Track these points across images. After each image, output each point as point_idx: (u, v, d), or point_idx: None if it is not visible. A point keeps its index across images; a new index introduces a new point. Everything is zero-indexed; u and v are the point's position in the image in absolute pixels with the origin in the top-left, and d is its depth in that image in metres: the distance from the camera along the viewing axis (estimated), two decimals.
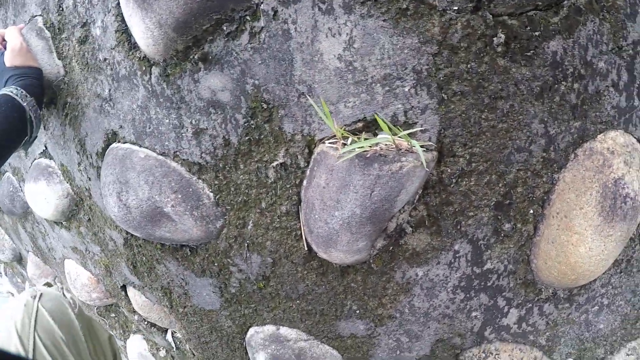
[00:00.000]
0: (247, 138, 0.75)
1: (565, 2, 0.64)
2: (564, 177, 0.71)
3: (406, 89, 0.65)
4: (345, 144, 0.70)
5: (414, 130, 0.66)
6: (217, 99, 0.74)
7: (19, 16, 1.06)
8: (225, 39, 0.71)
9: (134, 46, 0.80)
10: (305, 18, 0.66)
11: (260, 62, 0.70)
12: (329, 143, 0.73)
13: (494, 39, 0.60)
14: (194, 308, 1.06)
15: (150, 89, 0.80)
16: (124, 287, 1.21)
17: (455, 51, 0.61)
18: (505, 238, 0.76)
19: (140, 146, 0.85)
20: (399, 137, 0.66)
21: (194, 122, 0.77)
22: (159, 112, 0.80)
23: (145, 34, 0.71)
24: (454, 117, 0.65)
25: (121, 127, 0.87)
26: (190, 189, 0.81)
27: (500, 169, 0.69)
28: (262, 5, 0.67)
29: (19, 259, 1.86)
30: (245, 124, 0.75)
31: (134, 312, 1.23)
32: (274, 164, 0.76)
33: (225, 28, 0.70)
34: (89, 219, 1.11)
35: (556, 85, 0.66)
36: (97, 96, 0.89)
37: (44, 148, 1.13)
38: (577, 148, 0.71)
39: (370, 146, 0.67)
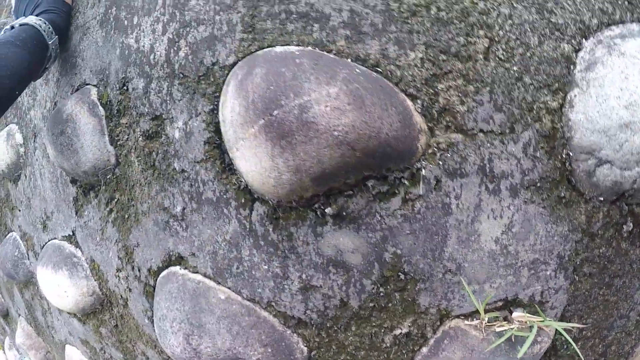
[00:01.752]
0: (371, 304, 0.55)
1: None
2: None
3: (548, 272, 0.57)
4: (486, 324, 0.55)
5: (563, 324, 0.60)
6: (342, 260, 0.54)
7: (65, 76, 0.80)
8: (370, 198, 0.50)
9: (228, 168, 0.59)
10: (469, 195, 0.50)
11: (408, 232, 0.51)
12: (468, 321, 0.57)
13: (624, 226, 0.57)
14: None
15: (247, 227, 0.58)
16: None
17: (593, 238, 0.57)
18: None
19: (219, 283, 0.62)
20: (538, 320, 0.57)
21: (304, 277, 0.56)
22: (255, 255, 0.58)
23: (268, 172, 0.48)
24: (579, 295, 0.61)
25: (193, 255, 0.64)
26: (283, 343, 0.59)
27: (603, 334, 0.69)
28: (423, 171, 0.50)
29: (5, 314, 1.48)
30: (373, 291, 0.54)
31: None
32: (396, 332, 0.57)
33: (371, 186, 0.51)
34: (116, 326, 0.85)
35: None
36: (163, 209, 0.65)
37: (71, 233, 0.86)
38: None
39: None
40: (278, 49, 0.50)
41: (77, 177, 0.75)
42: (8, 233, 1.08)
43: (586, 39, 0.52)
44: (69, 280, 0.81)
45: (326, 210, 0.50)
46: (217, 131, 0.57)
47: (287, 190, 0.49)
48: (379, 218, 0.50)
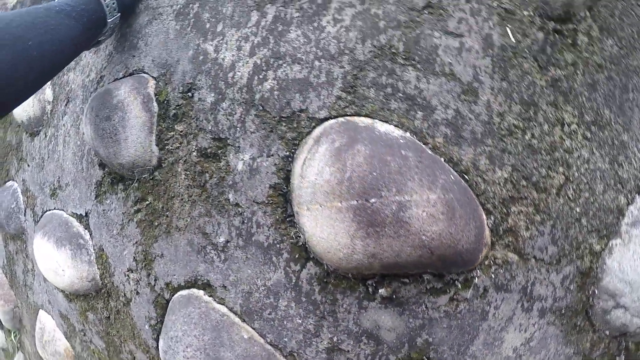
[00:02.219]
0: None
1: None
2: None
3: None
4: None
5: None
6: (377, 334, 0.54)
7: (120, 53, 0.71)
8: (422, 290, 0.51)
9: (289, 219, 0.57)
10: (507, 308, 0.53)
11: (445, 326, 0.53)
12: None
13: (617, 358, 0.62)
14: None
15: (293, 281, 0.57)
16: None
17: None
18: None
19: (244, 322, 0.61)
20: None
21: (335, 339, 0.56)
22: (292, 308, 0.58)
23: (340, 247, 0.47)
24: None
25: (224, 287, 0.61)
26: None
27: None
28: (476, 279, 0.52)
29: None
30: None
31: None
32: None
33: (427, 280, 0.52)
34: (108, 317, 0.80)
35: None
36: (203, 234, 0.62)
37: (83, 214, 0.79)
38: None
39: None
40: (381, 127, 0.49)
41: (108, 165, 0.69)
42: (8, 181, 0.97)
43: (639, 195, 0.56)
44: (71, 260, 0.75)
45: (380, 291, 0.51)
46: (287, 179, 0.56)
47: (352, 266, 0.49)
48: (424, 308, 0.51)
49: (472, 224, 0.46)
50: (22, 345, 1.11)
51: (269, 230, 0.55)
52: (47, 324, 0.92)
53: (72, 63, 0.78)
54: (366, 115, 0.52)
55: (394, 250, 0.45)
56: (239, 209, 0.57)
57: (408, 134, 0.50)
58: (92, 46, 0.66)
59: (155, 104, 0.65)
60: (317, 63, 0.55)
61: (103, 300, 0.78)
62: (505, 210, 0.51)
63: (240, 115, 0.58)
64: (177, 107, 0.63)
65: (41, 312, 0.94)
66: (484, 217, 0.49)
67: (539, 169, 0.51)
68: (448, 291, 0.51)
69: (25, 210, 0.92)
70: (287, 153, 0.55)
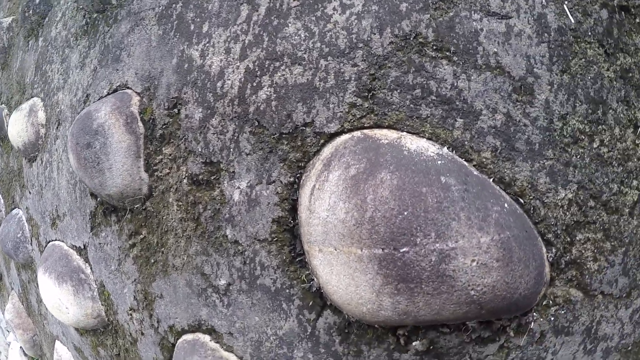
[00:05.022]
0: None
1: None
2: None
3: None
4: None
5: None
6: None
7: (105, 68, 0.62)
8: (466, 340, 0.40)
9: (298, 260, 0.47)
10: (566, 352, 0.42)
11: None
12: None
13: None
14: None
15: (308, 330, 0.47)
16: None
17: None
18: None
19: None
20: None
21: None
22: (310, 359, 0.49)
23: (362, 301, 0.36)
24: None
25: (231, 334, 0.53)
26: None
27: None
28: (532, 324, 0.40)
29: None
30: None
31: None
32: None
33: (472, 328, 0.40)
34: (119, 355, 0.75)
35: None
36: (202, 275, 0.53)
37: (82, 246, 0.73)
38: None
39: None
40: (410, 143, 0.37)
41: (98, 196, 0.62)
42: (14, 208, 0.94)
43: None
44: (73, 297, 0.70)
45: (414, 344, 0.40)
46: (293, 210, 0.45)
47: (379, 321, 0.38)
48: (468, 358, 0.40)
49: (532, 265, 0.34)
50: None
51: (275, 273, 0.46)
52: (63, 355, 0.89)
53: (61, 81, 0.71)
54: (390, 127, 0.40)
55: (433, 308, 0.34)
56: (239, 248, 0.48)
57: (446, 150, 0.37)
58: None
59: (140, 124, 0.56)
60: (323, 62, 0.43)
61: (112, 337, 0.72)
62: (569, 239, 0.38)
63: (233, 133, 0.48)
64: (164, 127, 0.54)
65: (57, 343, 0.92)
66: (544, 250, 0.36)
67: (610, 184, 0.38)
68: (497, 339, 0.39)
69: (31, 239, 0.88)
70: (292, 179, 0.44)
